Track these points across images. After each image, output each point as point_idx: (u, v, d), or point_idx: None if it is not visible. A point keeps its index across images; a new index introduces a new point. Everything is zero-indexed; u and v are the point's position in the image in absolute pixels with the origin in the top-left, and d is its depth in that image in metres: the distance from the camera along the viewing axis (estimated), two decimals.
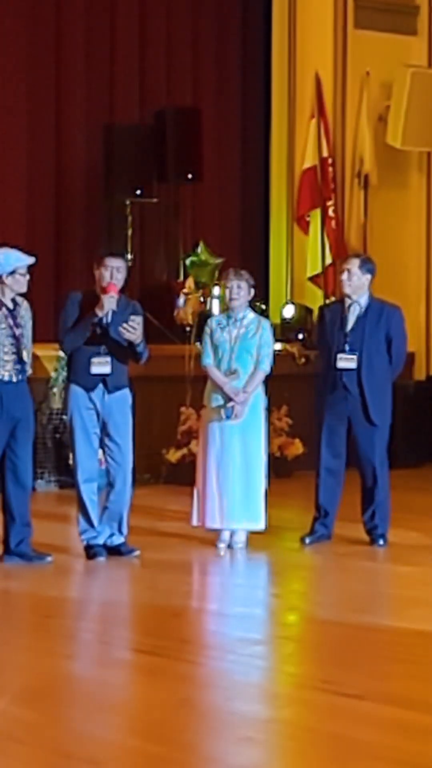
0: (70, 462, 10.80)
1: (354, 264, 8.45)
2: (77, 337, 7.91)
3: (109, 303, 7.85)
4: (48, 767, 4.50)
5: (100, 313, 7.87)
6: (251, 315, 8.40)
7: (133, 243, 12.69)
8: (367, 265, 8.52)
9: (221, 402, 8.27)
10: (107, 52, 12.94)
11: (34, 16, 12.45)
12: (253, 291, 8.40)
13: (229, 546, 8.33)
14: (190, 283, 11.38)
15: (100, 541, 8.02)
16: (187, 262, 11.76)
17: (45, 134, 12.59)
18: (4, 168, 12.34)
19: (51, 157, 12.68)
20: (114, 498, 8.02)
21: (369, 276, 8.47)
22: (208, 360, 8.33)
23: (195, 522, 8.37)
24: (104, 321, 7.92)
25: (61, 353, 10.80)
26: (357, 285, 8.42)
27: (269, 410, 8.64)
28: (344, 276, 8.44)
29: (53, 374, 10.95)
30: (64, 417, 10.92)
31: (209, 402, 8.37)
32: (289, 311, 12.77)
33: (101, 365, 7.91)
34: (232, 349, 8.28)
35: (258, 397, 8.36)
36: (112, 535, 8.06)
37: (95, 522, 8.01)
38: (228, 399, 8.24)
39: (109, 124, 12.71)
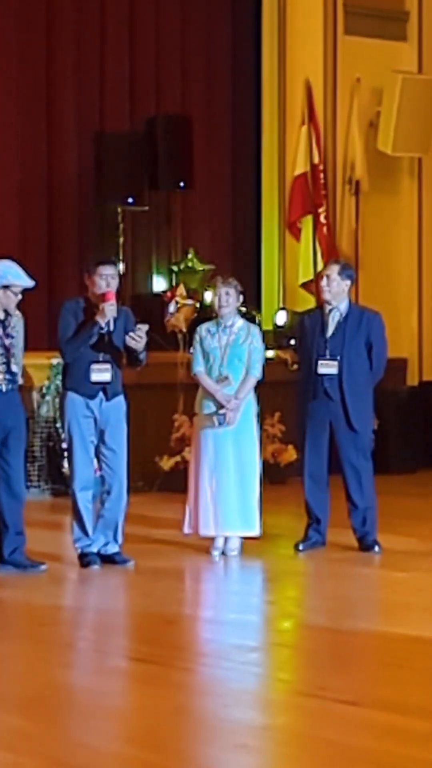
0: (64, 470, 10.83)
1: (333, 270, 8.48)
2: (79, 345, 7.91)
3: (110, 311, 7.86)
4: None
5: (101, 321, 7.87)
6: (240, 322, 8.42)
7: (125, 251, 12.69)
8: (347, 271, 8.55)
9: (213, 409, 8.28)
10: (98, 60, 12.95)
11: (25, 25, 12.46)
12: (241, 297, 8.43)
13: (223, 553, 8.33)
14: (181, 290, 11.39)
15: (95, 549, 8.02)
16: (176, 269, 11.79)
17: (36, 142, 12.59)
18: None
19: (42, 165, 12.68)
20: (109, 506, 8.02)
21: (348, 282, 8.50)
22: (199, 367, 8.34)
23: (187, 530, 8.38)
24: (106, 329, 7.92)
25: (53, 361, 10.89)
26: (336, 291, 8.44)
27: (261, 416, 8.65)
28: (324, 282, 8.47)
29: (45, 383, 10.95)
30: (57, 425, 10.96)
31: (201, 409, 8.38)
32: (281, 318, 12.79)
33: (101, 372, 7.92)
34: (222, 356, 8.30)
35: (249, 404, 8.37)
36: (107, 543, 8.05)
37: (89, 530, 8.00)
38: (220, 406, 8.25)
39: (100, 131, 12.71)
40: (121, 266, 12.06)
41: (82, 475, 8.00)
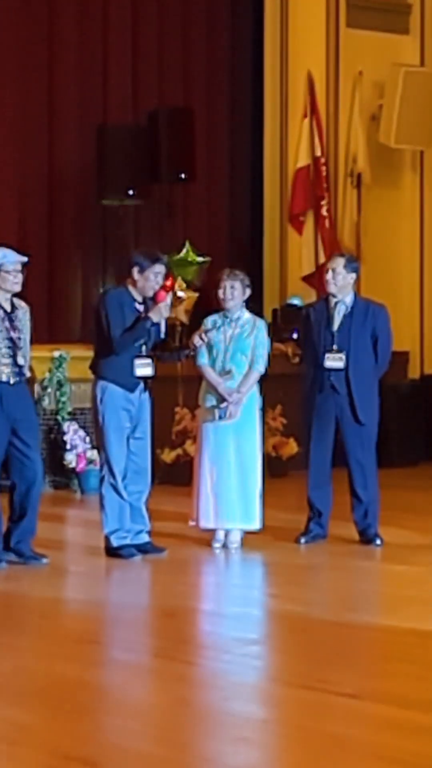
0: (65, 462, 10.85)
1: (339, 263, 8.46)
2: (134, 340, 7.90)
3: (165, 310, 7.90)
4: None
5: (155, 319, 7.89)
6: (246, 315, 8.41)
7: (126, 243, 12.68)
8: (352, 264, 8.54)
9: (215, 402, 8.28)
10: (100, 53, 12.95)
11: (27, 18, 12.45)
12: (248, 291, 8.42)
13: (225, 546, 8.34)
14: (180, 283, 11.38)
15: (129, 540, 8.02)
16: (170, 260, 11.76)
17: (38, 135, 12.59)
18: None
19: (44, 158, 12.68)
20: (136, 494, 8.04)
21: (354, 275, 8.50)
22: (203, 359, 8.34)
23: (192, 522, 8.39)
24: (158, 328, 7.98)
25: (55, 354, 10.89)
26: (342, 284, 8.44)
27: (264, 410, 8.65)
28: (329, 275, 8.46)
29: (47, 375, 10.95)
30: (58, 417, 10.97)
31: (203, 402, 8.38)
32: (297, 300, 12.80)
33: (145, 367, 7.95)
34: (226, 349, 8.30)
35: (253, 398, 8.37)
36: (139, 532, 8.06)
37: (127, 521, 8.01)
38: (222, 399, 8.25)
39: (102, 125, 12.71)
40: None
41: (120, 467, 7.99)
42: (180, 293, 11.36)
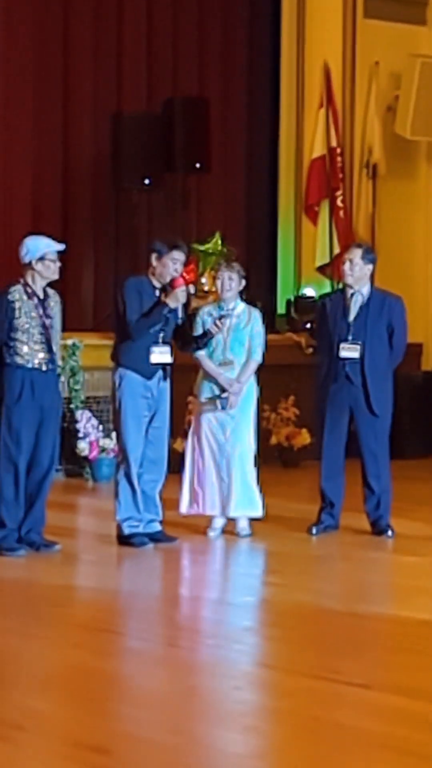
0: (77, 450, 10.87)
1: (356, 254, 8.45)
2: (149, 326, 7.90)
3: (182, 296, 7.89)
4: (56, 756, 4.52)
5: (172, 305, 7.89)
6: (242, 306, 8.44)
7: (140, 232, 12.68)
8: (369, 255, 8.52)
9: (213, 393, 8.32)
10: (115, 42, 12.93)
11: (42, 7, 12.44)
12: (244, 282, 8.44)
13: (237, 534, 8.36)
14: (209, 279, 11.36)
15: (141, 528, 8.04)
16: (200, 248, 11.73)
17: (53, 124, 12.58)
18: (12, 158, 12.34)
19: (59, 146, 12.68)
20: (151, 482, 8.05)
21: (371, 266, 8.48)
22: (201, 351, 8.37)
23: (183, 510, 8.40)
24: (176, 313, 7.99)
25: (69, 342, 10.90)
26: (359, 275, 8.43)
27: (261, 400, 8.67)
28: (346, 266, 8.45)
29: (60, 363, 10.95)
30: (71, 406, 10.98)
31: (200, 393, 8.41)
32: (310, 291, 12.80)
33: (162, 354, 7.96)
34: (225, 340, 8.33)
35: (251, 388, 8.40)
36: (151, 521, 8.08)
37: (141, 510, 8.02)
38: (222, 389, 8.28)
39: (117, 113, 12.69)
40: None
41: (136, 455, 7.99)
42: (205, 285, 11.36)
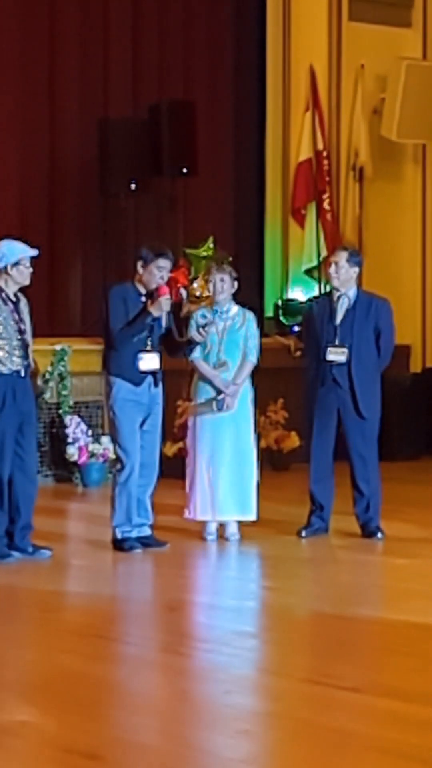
0: (67, 456, 10.86)
1: (342, 257, 8.46)
2: (132, 336, 7.90)
3: (166, 304, 7.89)
4: (47, 762, 4.52)
5: (155, 313, 7.89)
6: (235, 308, 8.46)
7: (127, 237, 12.68)
8: (355, 257, 8.53)
9: (210, 395, 8.33)
10: (101, 46, 12.93)
11: (28, 11, 12.44)
12: (236, 284, 8.45)
13: (226, 539, 8.36)
14: (201, 282, 11.36)
15: (134, 534, 8.04)
16: (194, 253, 11.72)
17: (39, 129, 12.58)
18: None
19: (45, 151, 12.67)
20: (142, 487, 8.06)
21: (357, 269, 8.49)
22: (196, 353, 8.37)
23: (188, 515, 8.42)
24: (160, 321, 7.97)
25: (57, 347, 10.90)
26: (345, 278, 8.44)
27: (256, 402, 8.68)
28: (332, 269, 8.46)
29: (48, 368, 10.96)
30: (60, 411, 10.98)
31: (197, 396, 8.42)
32: (298, 293, 12.80)
33: (150, 361, 7.96)
34: (220, 342, 8.35)
35: (246, 389, 8.42)
36: (141, 525, 8.07)
37: (134, 516, 8.02)
38: (218, 392, 8.29)
39: (104, 118, 12.69)
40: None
41: (133, 460, 8.00)
42: (197, 290, 11.36)
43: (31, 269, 7.77)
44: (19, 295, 7.85)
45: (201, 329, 8.20)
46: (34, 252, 7.79)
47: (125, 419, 7.96)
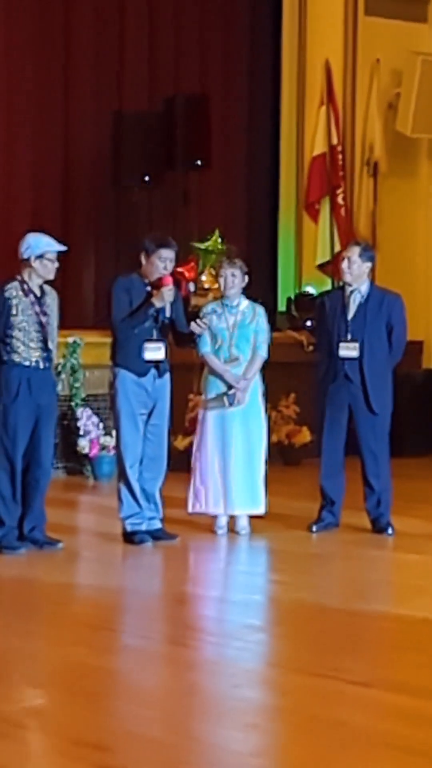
0: (78, 449, 10.87)
1: (354, 252, 8.45)
2: (135, 326, 7.89)
3: (169, 295, 7.88)
4: (57, 754, 4.53)
5: (158, 304, 7.88)
6: (246, 302, 8.45)
7: (140, 230, 12.67)
8: (368, 253, 8.52)
9: (220, 390, 8.32)
10: (116, 39, 12.92)
11: (43, 4, 12.43)
12: (246, 278, 8.44)
13: (236, 533, 8.37)
14: (209, 277, 11.36)
15: (144, 527, 8.04)
16: (201, 246, 11.71)
17: (53, 121, 12.58)
18: (12, 155, 12.33)
19: (59, 144, 12.67)
20: (151, 479, 8.06)
21: (369, 264, 8.48)
22: (206, 348, 8.37)
23: (191, 509, 8.42)
24: (163, 311, 7.96)
25: (69, 339, 10.90)
26: (357, 273, 8.42)
27: (267, 396, 8.68)
28: (344, 264, 8.45)
29: (60, 361, 10.96)
30: (72, 404, 10.98)
31: (207, 391, 8.42)
32: (311, 289, 12.80)
33: (155, 351, 7.95)
34: (231, 336, 8.34)
35: (256, 384, 8.41)
36: (151, 518, 8.08)
37: (141, 507, 8.02)
38: (229, 386, 8.29)
39: (118, 111, 12.69)
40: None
41: (133, 452, 8.00)
42: (205, 283, 11.35)
43: (56, 264, 7.75)
44: (47, 288, 7.83)
45: (199, 320, 8.16)
46: (61, 247, 7.78)
47: (126, 411, 7.96)
